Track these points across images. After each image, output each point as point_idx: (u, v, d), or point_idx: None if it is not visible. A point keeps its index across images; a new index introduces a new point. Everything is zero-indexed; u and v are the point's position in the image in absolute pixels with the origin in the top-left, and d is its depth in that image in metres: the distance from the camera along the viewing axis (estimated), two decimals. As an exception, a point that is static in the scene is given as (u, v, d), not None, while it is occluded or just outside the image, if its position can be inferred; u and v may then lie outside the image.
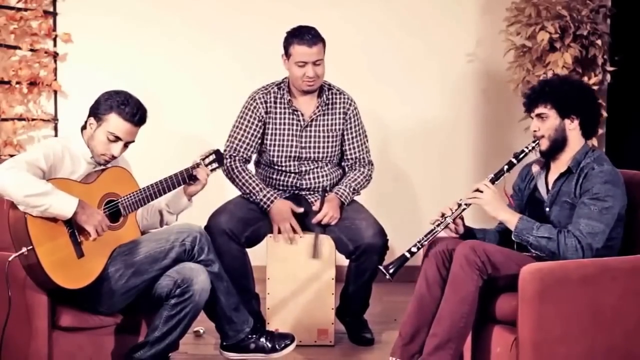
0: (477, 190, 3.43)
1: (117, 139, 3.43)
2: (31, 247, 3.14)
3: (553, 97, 3.43)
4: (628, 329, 3.21)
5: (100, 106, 3.43)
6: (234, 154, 4.19)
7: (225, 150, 4.19)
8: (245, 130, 4.20)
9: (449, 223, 3.46)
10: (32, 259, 3.15)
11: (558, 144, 3.44)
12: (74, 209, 3.21)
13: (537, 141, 3.47)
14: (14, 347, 3.28)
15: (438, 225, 3.45)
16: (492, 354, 3.35)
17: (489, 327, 3.37)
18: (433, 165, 5.56)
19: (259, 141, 4.23)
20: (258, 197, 4.12)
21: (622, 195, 3.35)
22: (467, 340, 3.38)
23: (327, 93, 4.26)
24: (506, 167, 3.48)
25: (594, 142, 4.89)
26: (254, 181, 4.15)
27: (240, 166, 4.17)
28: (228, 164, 4.16)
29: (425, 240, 3.43)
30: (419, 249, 3.43)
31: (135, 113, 3.42)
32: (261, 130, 4.21)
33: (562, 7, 4.82)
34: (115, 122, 3.41)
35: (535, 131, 3.47)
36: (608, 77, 4.94)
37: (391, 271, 3.41)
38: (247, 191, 4.14)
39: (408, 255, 3.42)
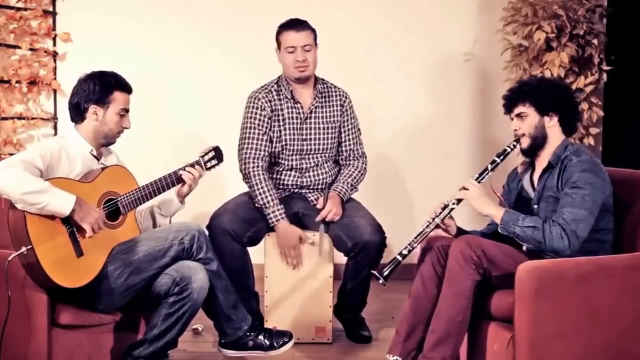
0: (463, 187, 3.47)
1: (126, 111, 3.56)
2: (30, 246, 3.16)
3: (531, 95, 3.48)
4: (623, 326, 3.23)
5: (96, 93, 3.50)
6: (257, 155, 4.15)
7: (244, 156, 4.16)
8: (259, 128, 4.18)
9: (437, 224, 3.49)
10: (32, 258, 3.17)
11: (538, 141, 3.49)
12: (72, 206, 3.22)
13: (519, 139, 3.51)
14: (13, 344, 3.29)
15: (427, 226, 3.48)
16: (488, 352, 3.37)
17: (485, 324, 3.39)
18: (430, 164, 5.58)
19: (270, 138, 4.24)
20: (267, 212, 4.11)
21: (602, 183, 3.36)
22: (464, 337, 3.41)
23: (322, 86, 4.29)
24: (490, 165, 3.51)
25: (591, 141, 4.91)
26: (269, 195, 4.11)
27: (263, 174, 4.13)
28: (251, 169, 4.12)
29: (416, 243, 3.46)
30: (409, 251, 3.46)
31: (126, 82, 3.58)
32: (270, 128, 4.23)
33: (559, 7, 4.84)
34: (121, 98, 3.55)
35: (515, 130, 3.52)
36: (604, 76, 4.95)
37: (385, 274, 3.45)
38: (261, 203, 4.12)
39: (400, 258, 3.46)
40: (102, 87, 3.50)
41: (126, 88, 3.57)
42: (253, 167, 4.14)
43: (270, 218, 4.11)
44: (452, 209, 3.50)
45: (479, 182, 3.48)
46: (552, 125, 3.48)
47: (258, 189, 4.13)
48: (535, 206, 3.51)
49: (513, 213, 3.39)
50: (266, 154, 4.18)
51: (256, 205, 4.14)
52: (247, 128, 4.20)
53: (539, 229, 3.30)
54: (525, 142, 3.50)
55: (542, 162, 3.52)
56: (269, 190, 4.12)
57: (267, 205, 4.11)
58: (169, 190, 3.64)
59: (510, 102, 3.54)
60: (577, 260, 3.23)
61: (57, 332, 3.36)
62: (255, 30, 5.29)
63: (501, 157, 3.52)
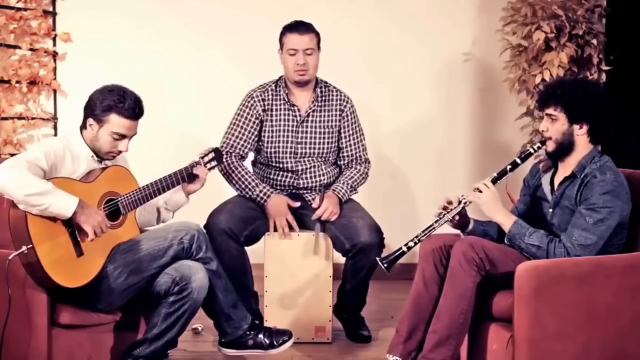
0: (477, 189, 3.44)
1: (122, 136, 3.47)
2: (31, 245, 3.16)
3: (564, 101, 3.36)
4: (622, 326, 3.23)
5: (97, 108, 3.44)
6: (230, 150, 4.21)
7: (221, 147, 4.21)
8: (242, 127, 4.22)
9: (447, 220, 3.47)
10: (32, 258, 3.17)
11: (564, 147, 3.40)
12: (74, 209, 3.22)
13: (544, 141, 3.44)
14: (14, 344, 3.30)
15: (436, 221, 3.46)
16: (488, 352, 3.37)
17: (485, 324, 3.39)
18: (430, 164, 5.58)
19: (256, 139, 4.25)
20: (254, 193, 4.14)
21: (622, 205, 3.30)
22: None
23: (322, 89, 4.29)
24: (509, 167, 3.46)
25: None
26: (249, 177, 4.17)
27: (236, 162, 4.19)
28: (223, 160, 4.17)
29: (424, 236, 3.44)
30: (416, 243, 3.44)
31: (134, 108, 3.46)
32: (258, 128, 4.24)
33: (558, 7, 4.84)
34: (117, 122, 3.44)
35: (543, 131, 3.43)
36: (603, 76, 4.95)
37: (386, 265, 3.44)
38: (243, 187, 4.16)
39: (405, 249, 3.43)
40: (103, 104, 3.44)
41: (129, 114, 3.44)
42: (225, 159, 4.16)
43: (261, 197, 4.12)
44: (463, 207, 3.47)
45: (495, 183, 3.43)
46: (581, 134, 3.38)
47: (235, 176, 4.16)
48: (551, 210, 3.47)
49: (521, 226, 3.37)
50: (240, 152, 4.22)
51: (240, 193, 4.16)
52: (231, 123, 4.26)
53: (543, 249, 3.29)
54: (551, 146, 3.42)
55: (566, 167, 3.44)
56: (246, 174, 4.16)
57: (250, 187, 4.13)
58: (175, 187, 3.65)
59: (543, 101, 3.43)
60: (576, 260, 3.24)
61: (57, 331, 3.37)
62: (254, 31, 5.29)
63: (522, 158, 3.46)
